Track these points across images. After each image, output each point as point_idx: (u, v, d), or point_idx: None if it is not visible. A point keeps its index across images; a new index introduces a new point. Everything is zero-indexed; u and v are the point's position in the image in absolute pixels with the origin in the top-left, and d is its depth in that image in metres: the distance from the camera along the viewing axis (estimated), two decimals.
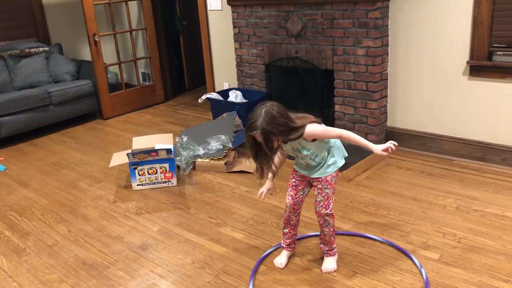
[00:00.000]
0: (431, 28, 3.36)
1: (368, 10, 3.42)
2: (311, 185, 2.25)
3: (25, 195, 3.42)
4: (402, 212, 2.77)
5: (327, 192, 2.17)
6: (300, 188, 2.25)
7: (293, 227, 2.34)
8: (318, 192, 2.19)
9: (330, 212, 2.18)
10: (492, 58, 3.19)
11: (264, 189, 2.29)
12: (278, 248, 2.46)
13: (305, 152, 2.11)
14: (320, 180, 2.17)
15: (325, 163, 2.17)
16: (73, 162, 4.01)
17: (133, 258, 2.51)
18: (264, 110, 1.96)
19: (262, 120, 1.93)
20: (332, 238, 2.26)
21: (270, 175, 2.22)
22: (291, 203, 2.26)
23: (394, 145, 2.07)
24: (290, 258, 2.39)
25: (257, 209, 2.93)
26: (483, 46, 3.17)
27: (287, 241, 2.36)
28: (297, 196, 2.26)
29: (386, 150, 2.07)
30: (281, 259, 2.35)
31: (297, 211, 2.30)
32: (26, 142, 4.60)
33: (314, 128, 2.03)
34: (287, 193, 2.28)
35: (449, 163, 3.40)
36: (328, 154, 2.18)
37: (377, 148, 2.08)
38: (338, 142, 2.23)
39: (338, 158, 2.21)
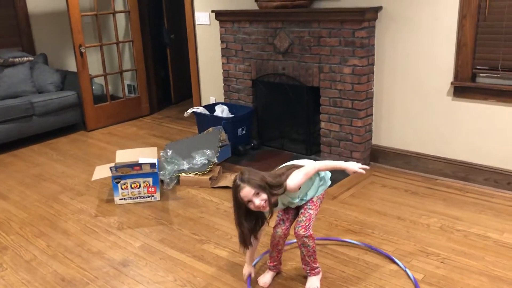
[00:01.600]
0: (416, 49, 3.41)
1: (355, 29, 3.46)
2: (298, 210, 2.25)
3: (4, 207, 3.34)
4: (386, 231, 2.77)
5: (311, 213, 2.16)
6: (288, 219, 2.26)
7: (279, 251, 2.31)
8: (302, 212, 2.18)
9: (309, 234, 2.15)
10: (475, 79, 3.25)
11: (246, 272, 2.32)
12: (262, 259, 2.43)
13: (296, 201, 2.18)
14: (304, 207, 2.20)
15: (315, 187, 2.21)
16: (54, 174, 3.93)
17: (114, 275, 2.46)
18: (240, 176, 2.04)
19: (248, 176, 2.01)
20: (312, 258, 2.23)
21: (248, 255, 2.27)
22: (281, 234, 2.25)
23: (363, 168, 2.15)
24: (274, 277, 2.36)
25: None
26: (466, 67, 3.22)
27: (273, 262, 2.34)
28: (285, 225, 2.24)
29: (360, 168, 2.14)
30: (265, 278, 2.33)
31: (286, 237, 2.28)
32: (7, 153, 4.51)
33: (294, 180, 2.06)
34: (275, 225, 2.26)
35: (433, 182, 3.42)
36: (315, 178, 2.21)
37: (352, 165, 2.14)
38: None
39: (325, 179, 2.24)
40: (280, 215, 2.26)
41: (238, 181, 2.02)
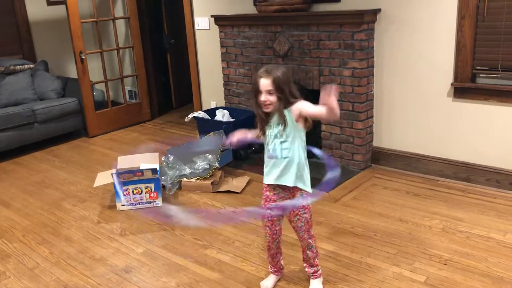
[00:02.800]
0: (415, 50, 3.42)
1: (354, 31, 3.46)
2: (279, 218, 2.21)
3: (6, 215, 3.34)
4: (389, 234, 2.77)
5: (306, 217, 2.16)
6: (275, 218, 2.20)
7: (274, 255, 2.29)
8: (298, 219, 2.16)
9: (312, 235, 2.20)
10: (475, 80, 3.25)
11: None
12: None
13: (279, 130, 2.03)
14: (299, 196, 2.10)
15: (299, 172, 2.08)
16: (57, 181, 3.94)
17: (117, 282, 2.46)
18: (283, 69, 2.02)
19: (276, 73, 1.98)
20: (316, 260, 2.26)
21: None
22: (269, 233, 2.22)
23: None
24: (277, 281, 2.36)
25: (243, 231, 2.90)
26: (466, 68, 3.22)
27: (273, 268, 2.34)
28: (274, 225, 2.20)
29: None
30: (267, 282, 2.33)
31: (277, 240, 2.24)
32: (8, 160, 4.52)
33: (309, 105, 2.02)
34: (264, 224, 2.22)
35: (434, 183, 3.42)
36: (305, 168, 2.11)
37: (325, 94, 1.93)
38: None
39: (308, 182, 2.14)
40: (265, 221, 2.21)
41: (263, 71, 2.02)
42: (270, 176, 2.11)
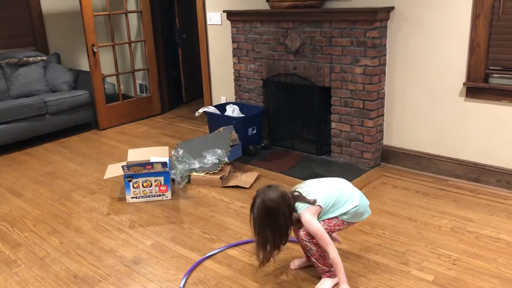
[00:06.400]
0: (428, 49, 3.39)
1: (367, 29, 3.45)
2: None
3: (18, 205, 3.38)
4: (397, 232, 2.76)
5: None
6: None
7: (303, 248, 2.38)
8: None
9: (309, 239, 2.19)
10: (488, 80, 3.22)
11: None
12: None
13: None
14: None
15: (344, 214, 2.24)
16: (67, 172, 3.98)
17: (125, 273, 2.48)
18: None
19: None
20: (320, 262, 2.23)
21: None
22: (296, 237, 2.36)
23: None
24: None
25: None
26: (479, 68, 3.19)
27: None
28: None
29: None
30: (296, 261, 2.45)
31: (299, 238, 2.31)
32: (20, 151, 4.57)
33: (309, 223, 2.13)
34: None
35: (444, 183, 3.40)
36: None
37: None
38: (361, 199, 2.29)
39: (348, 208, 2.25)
40: None
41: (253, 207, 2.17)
42: None
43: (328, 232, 2.18)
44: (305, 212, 2.13)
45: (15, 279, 2.46)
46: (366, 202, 2.33)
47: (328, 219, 2.21)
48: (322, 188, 2.24)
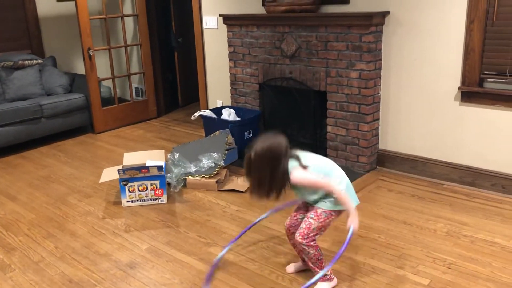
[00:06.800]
0: (423, 54, 3.41)
1: (362, 34, 3.46)
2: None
3: (12, 209, 3.37)
4: (393, 236, 2.77)
5: (311, 222, 2.16)
6: (300, 212, 2.30)
7: (293, 245, 2.38)
8: (304, 220, 2.20)
9: (307, 243, 2.16)
10: (483, 84, 3.24)
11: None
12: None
13: (303, 195, 2.21)
14: (312, 208, 2.21)
15: (325, 197, 2.17)
16: (62, 176, 3.97)
17: (121, 277, 2.47)
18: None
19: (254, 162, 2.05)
20: (317, 266, 2.22)
21: None
22: (287, 222, 2.33)
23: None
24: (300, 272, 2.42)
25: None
26: (474, 72, 3.22)
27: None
28: (295, 217, 2.31)
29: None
30: (292, 265, 2.45)
31: (293, 233, 2.28)
32: (15, 154, 4.55)
33: (300, 177, 2.07)
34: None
35: (439, 187, 3.42)
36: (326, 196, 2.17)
37: (354, 221, 2.11)
38: (348, 186, 2.23)
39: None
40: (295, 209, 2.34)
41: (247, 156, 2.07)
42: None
43: (321, 229, 2.17)
44: (296, 169, 2.06)
45: (9, 284, 2.45)
46: (353, 191, 2.25)
47: (317, 214, 2.17)
48: (316, 160, 2.19)
